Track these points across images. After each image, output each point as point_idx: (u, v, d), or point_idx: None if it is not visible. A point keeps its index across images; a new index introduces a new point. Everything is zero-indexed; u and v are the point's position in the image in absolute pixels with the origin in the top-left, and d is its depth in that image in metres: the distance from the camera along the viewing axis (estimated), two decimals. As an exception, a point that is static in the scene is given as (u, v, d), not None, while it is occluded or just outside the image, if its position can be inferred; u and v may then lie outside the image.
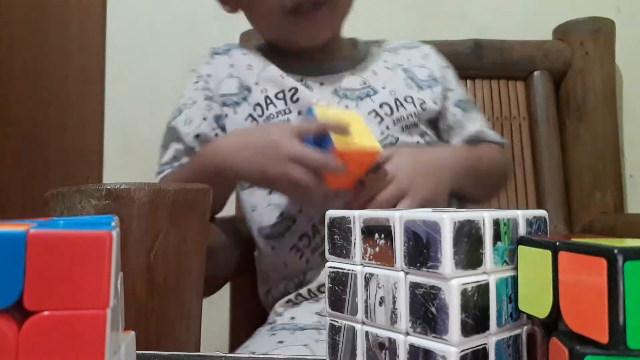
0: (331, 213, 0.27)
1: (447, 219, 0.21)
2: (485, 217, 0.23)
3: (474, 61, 1.03)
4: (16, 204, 1.26)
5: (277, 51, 0.75)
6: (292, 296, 0.66)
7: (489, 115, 1.04)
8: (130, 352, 0.23)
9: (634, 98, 1.14)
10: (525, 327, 0.24)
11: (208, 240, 0.51)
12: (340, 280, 0.26)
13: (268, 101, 0.69)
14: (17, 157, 1.27)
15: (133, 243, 0.42)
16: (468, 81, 1.05)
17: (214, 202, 0.50)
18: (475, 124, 0.75)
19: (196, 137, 0.70)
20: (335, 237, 0.27)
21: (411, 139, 0.69)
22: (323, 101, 0.69)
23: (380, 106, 0.69)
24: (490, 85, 1.06)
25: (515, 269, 0.24)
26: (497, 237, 0.23)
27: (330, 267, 0.27)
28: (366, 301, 0.25)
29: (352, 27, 1.04)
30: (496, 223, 0.23)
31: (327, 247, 0.27)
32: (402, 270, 0.23)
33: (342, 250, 0.26)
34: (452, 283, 0.21)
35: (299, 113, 0.68)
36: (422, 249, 0.22)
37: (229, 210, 0.80)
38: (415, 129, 0.70)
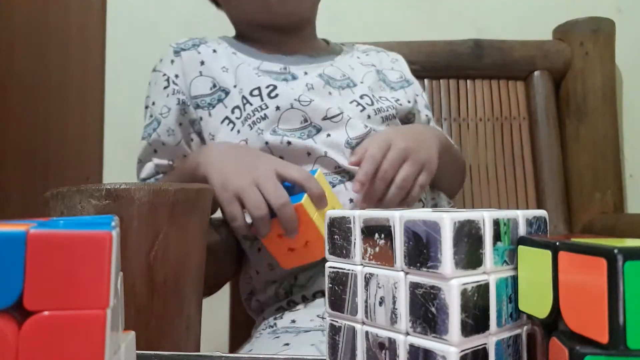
0: (331, 213, 0.27)
1: (447, 219, 0.21)
2: (485, 217, 0.23)
3: (474, 61, 1.03)
4: (16, 204, 1.26)
5: (252, 40, 0.74)
6: (283, 303, 0.64)
7: (489, 115, 1.04)
8: (130, 352, 0.23)
9: (634, 98, 1.14)
10: (525, 327, 0.24)
11: (208, 240, 0.51)
12: (340, 280, 0.26)
13: (244, 101, 0.67)
14: (17, 157, 1.27)
15: (133, 243, 0.42)
16: (468, 81, 1.05)
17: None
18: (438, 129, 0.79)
19: (178, 144, 0.70)
20: (335, 237, 0.27)
21: None
22: (309, 84, 0.69)
23: (361, 97, 0.71)
24: (490, 85, 1.06)
25: (515, 269, 0.24)
26: (497, 237, 0.23)
27: (330, 267, 0.27)
28: (366, 301, 0.25)
29: (352, 27, 1.05)
30: (496, 223, 0.23)
31: (327, 247, 0.27)
32: (402, 270, 0.23)
33: (342, 250, 0.26)
34: (452, 283, 0.21)
35: (277, 109, 0.65)
36: (422, 249, 0.22)
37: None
38: (394, 121, 0.71)
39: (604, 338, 0.18)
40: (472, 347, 0.22)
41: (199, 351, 0.49)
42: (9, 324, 0.17)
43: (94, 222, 0.19)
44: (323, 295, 0.63)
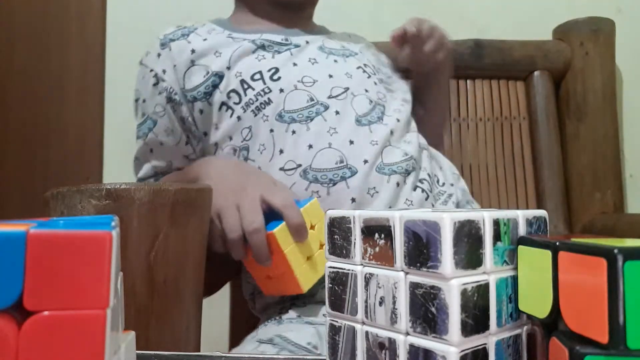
0: (331, 213, 0.27)
1: (447, 219, 0.21)
2: (485, 217, 0.23)
3: (474, 61, 1.03)
4: (16, 204, 1.26)
5: (253, 13, 0.74)
6: (287, 304, 0.63)
7: (489, 115, 1.04)
8: (130, 352, 0.23)
9: (634, 98, 1.14)
10: (525, 327, 0.24)
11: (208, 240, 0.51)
12: (340, 280, 0.26)
13: (245, 85, 0.65)
14: (17, 157, 1.27)
15: (133, 243, 0.42)
16: (468, 81, 1.06)
17: None
18: None
19: (178, 144, 0.69)
20: (335, 237, 0.27)
21: (395, 102, 0.71)
22: (312, 59, 0.68)
23: (365, 65, 0.71)
24: (490, 85, 1.06)
25: (515, 269, 0.24)
26: (497, 237, 0.23)
27: (330, 267, 0.27)
28: (366, 301, 0.25)
29: (352, 27, 1.04)
30: (496, 223, 0.23)
31: (327, 247, 0.27)
32: (402, 270, 0.23)
33: (342, 250, 0.26)
34: (452, 283, 0.21)
35: (281, 91, 0.64)
36: (422, 249, 0.22)
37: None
38: (397, 93, 0.74)
39: (604, 338, 0.18)
40: (472, 347, 0.22)
41: (199, 351, 0.49)
42: (9, 324, 0.17)
43: (94, 222, 0.19)
44: (324, 305, 0.63)
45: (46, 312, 0.17)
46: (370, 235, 0.25)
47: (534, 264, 0.22)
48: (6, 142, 1.27)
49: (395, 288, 0.23)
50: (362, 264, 0.25)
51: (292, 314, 0.60)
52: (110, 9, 1.26)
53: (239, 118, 0.65)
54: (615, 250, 0.18)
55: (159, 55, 0.68)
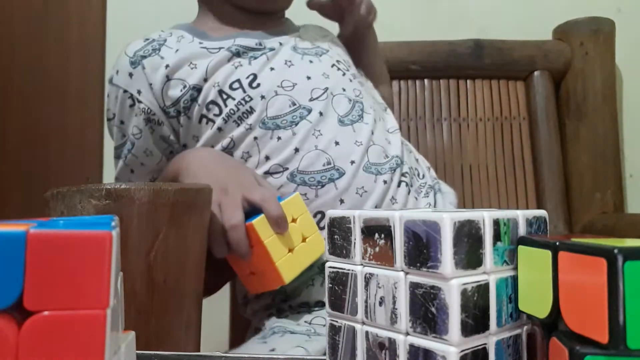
0: (331, 213, 0.27)
1: (447, 219, 0.21)
2: (485, 217, 0.23)
3: (474, 61, 1.03)
4: (16, 204, 1.26)
5: (220, 18, 0.72)
6: (273, 310, 0.63)
7: (489, 115, 1.04)
8: (130, 352, 0.23)
9: (634, 98, 1.14)
10: (525, 327, 0.24)
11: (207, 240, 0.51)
12: (340, 280, 0.26)
13: (224, 96, 0.63)
14: (17, 157, 1.27)
15: (133, 243, 0.42)
16: (468, 81, 1.06)
17: None
18: None
19: (159, 163, 0.68)
20: (335, 237, 0.27)
21: (369, 98, 0.72)
22: (288, 61, 0.67)
23: (337, 62, 0.71)
24: (490, 85, 1.06)
25: (515, 269, 0.24)
26: (497, 237, 0.23)
27: (330, 267, 0.27)
28: (366, 301, 0.25)
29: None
30: (496, 223, 0.23)
31: (327, 247, 0.27)
32: (402, 270, 0.23)
33: (342, 250, 0.26)
34: (452, 283, 0.21)
35: (262, 98, 0.63)
36: (422, 249, 0.22)
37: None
38: (368, 83, 0.77)
39: (604, 338, 0.18)
40: (472, 347, 0.22)
41: (199, 351, 0.49)
42: (9, 324, 0.17)
43: (94, 222, 0.19)
44: (308, 307, 0.62)
45: (46, 312, 0.17)
46: (370, 235, 0.25)
47: (534, 264, 0.22)
48: (6, 142, 1.27)
49: (395, 288, 0.23)
50: (362, 264, 0.25)
51: (273, 321, 0.60)
52: (110, 9, 1.27)
53: (219, 129, 0.63)
54: (615, 250, 0.18)
55: (130, 75, 0.64)
